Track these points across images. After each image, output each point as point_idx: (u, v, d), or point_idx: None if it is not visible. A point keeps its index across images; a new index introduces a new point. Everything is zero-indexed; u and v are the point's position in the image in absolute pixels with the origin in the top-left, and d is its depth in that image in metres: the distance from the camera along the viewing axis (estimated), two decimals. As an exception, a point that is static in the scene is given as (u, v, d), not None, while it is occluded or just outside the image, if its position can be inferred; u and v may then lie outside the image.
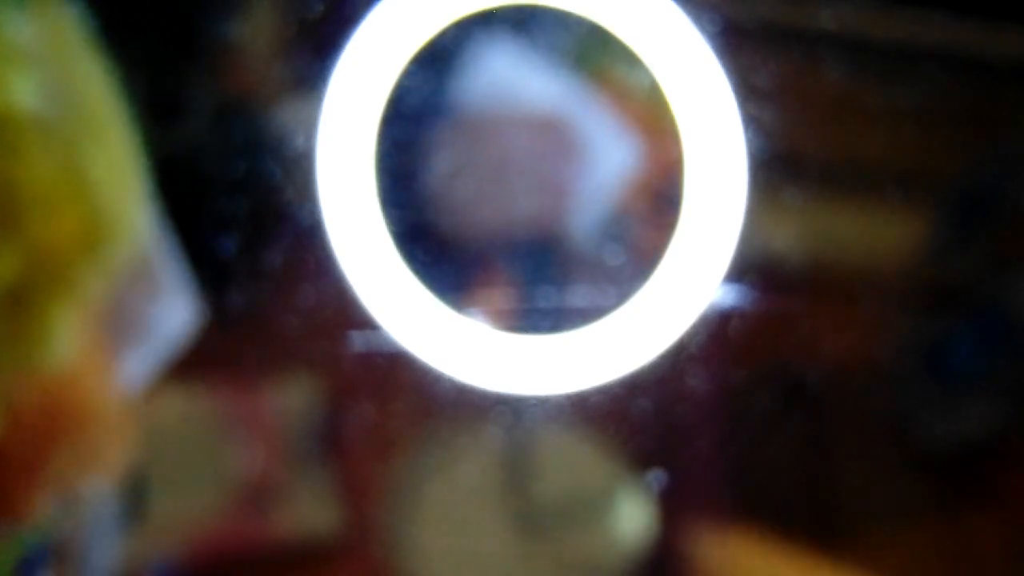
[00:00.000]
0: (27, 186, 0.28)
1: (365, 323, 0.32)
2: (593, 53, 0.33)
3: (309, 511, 0.34)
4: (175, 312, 0.31)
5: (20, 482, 0.29)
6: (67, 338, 0.29)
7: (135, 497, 0.32)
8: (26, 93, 0.28)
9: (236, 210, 0.32)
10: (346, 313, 0.32)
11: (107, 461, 0.31)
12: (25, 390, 0.28)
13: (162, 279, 0.31)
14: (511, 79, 0.33)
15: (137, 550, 0.32)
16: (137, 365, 0.31)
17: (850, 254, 0.35)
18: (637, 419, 0.33)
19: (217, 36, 0.33)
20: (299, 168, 0.32)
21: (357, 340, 0.32)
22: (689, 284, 0.33)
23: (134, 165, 0.30)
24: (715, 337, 0.33)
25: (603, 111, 0.34)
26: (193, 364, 0.32)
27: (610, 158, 0.34)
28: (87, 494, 0.30)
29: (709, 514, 0.34)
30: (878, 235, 0.35)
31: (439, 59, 0.32)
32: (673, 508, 0.34)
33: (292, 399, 0.33)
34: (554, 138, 0.34)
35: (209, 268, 0.32)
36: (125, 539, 0.32)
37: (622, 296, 0.33)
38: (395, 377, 0.33)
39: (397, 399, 0.33)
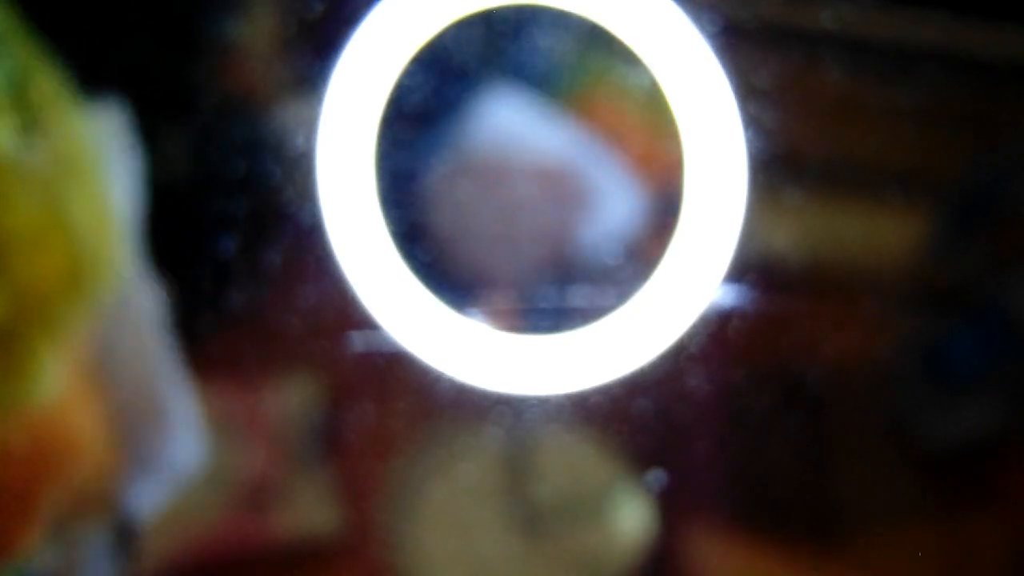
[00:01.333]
0: (11, 229, 0.28)
1: (365, 323, 0.32)
2: (593, 53, 0.33)
3: (309, 511, 0.34)
4: (183, 446, 0.32)
5: (10, 517, 0.29)
6: (53, 375, 0.29)
7: (127, 530, 0.32)
8: (3, 139, 0.28)
9: (236, 210, 0.32)
10: (346, 313, 0.32)
11: (98, 496, 0.31)
12: (12, 427, 0.29)
13: (171, 413, 0.32)
14: (513, 81, 0.33)
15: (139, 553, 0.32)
16: (145, 497, 0.32)
17: (850, 254, 0.35)
18: (637, 419, 0.33)
19: (217, 36, 0.33)
20: (299, 168, 0.32)
21: (357, 340, 0.32)
22: (689, 284, 0.33)
23: (115, 206, 0.31)
24: (715, 337, 0.33)
25: (605, 113, 0.34)
26: (193, 364, 0.32)
27: (614, 160, 0.34)
28: (79, 528, 0.31)
29: (709, 514, 0.34)
30: (878, 235, 0.35)
31: (439, 59, 0.32)
32: (673, 508, 0.34)
33: (292, 399, 0.33)
34: (557, 146, 0.34)
35: (209, 268, 0.32)
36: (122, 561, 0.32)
37: (622, 296, 0.33)
38: (395, 377, 0.33)
39: (397, 399, 0.33)
